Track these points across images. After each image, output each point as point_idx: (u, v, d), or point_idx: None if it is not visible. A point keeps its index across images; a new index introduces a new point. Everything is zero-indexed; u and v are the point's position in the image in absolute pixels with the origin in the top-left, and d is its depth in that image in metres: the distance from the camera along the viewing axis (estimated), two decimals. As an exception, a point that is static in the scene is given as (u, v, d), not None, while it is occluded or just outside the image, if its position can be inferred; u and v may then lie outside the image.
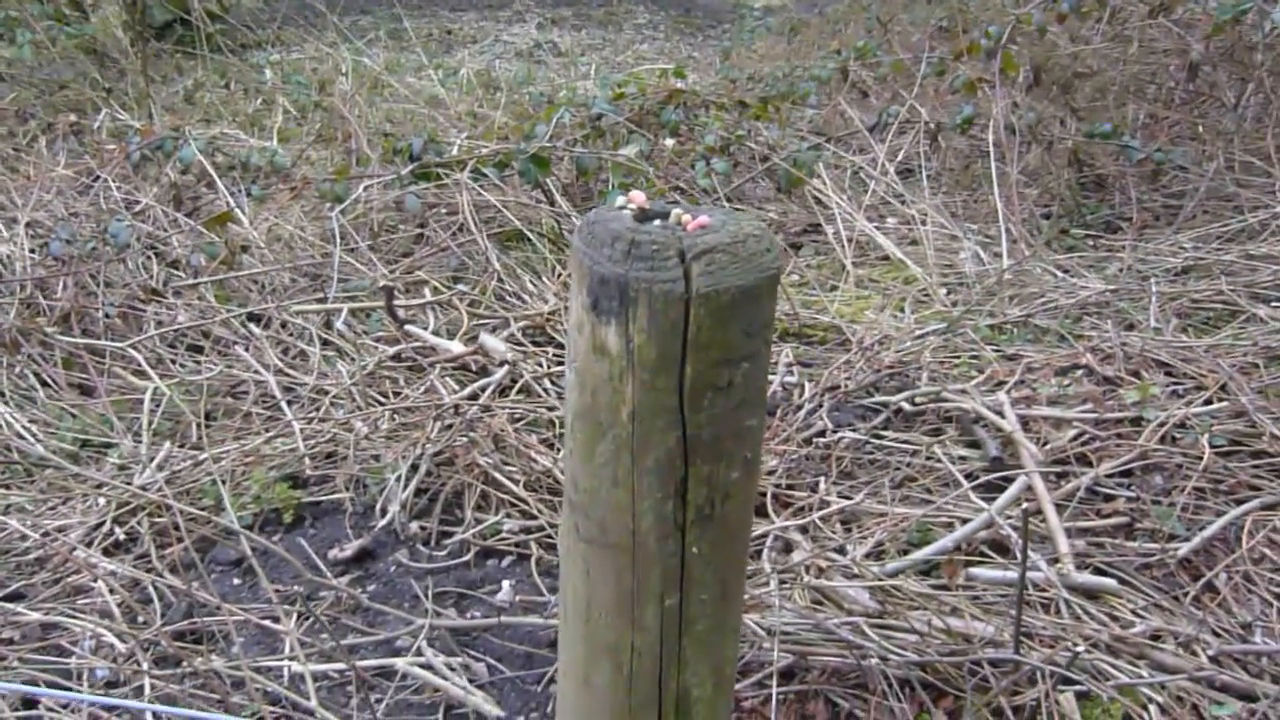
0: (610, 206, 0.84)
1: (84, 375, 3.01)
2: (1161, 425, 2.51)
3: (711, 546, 0.85)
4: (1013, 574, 2.04)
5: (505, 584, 2.18)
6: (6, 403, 2.83)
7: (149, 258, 3.61)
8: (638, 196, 0.83)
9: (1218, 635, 1.93)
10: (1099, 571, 2.11)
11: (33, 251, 3.49)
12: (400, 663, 1.90)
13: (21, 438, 2.69)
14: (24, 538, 2.31)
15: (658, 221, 0.81)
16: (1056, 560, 2.10)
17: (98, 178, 4.09)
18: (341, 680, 1.91)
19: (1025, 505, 2.26)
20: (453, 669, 1.90)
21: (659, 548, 0.85)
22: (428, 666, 1.90)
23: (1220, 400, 2.62)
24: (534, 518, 2.35)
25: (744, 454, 0.83)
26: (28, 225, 3.62)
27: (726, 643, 0.93)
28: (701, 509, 0.84)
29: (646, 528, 0.84)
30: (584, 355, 0.81)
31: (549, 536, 2.30)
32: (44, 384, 2.97)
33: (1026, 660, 1.77)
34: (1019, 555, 1.90)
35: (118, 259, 3.47)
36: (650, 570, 0.86)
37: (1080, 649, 1.80)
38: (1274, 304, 3.21)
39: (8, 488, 2.55)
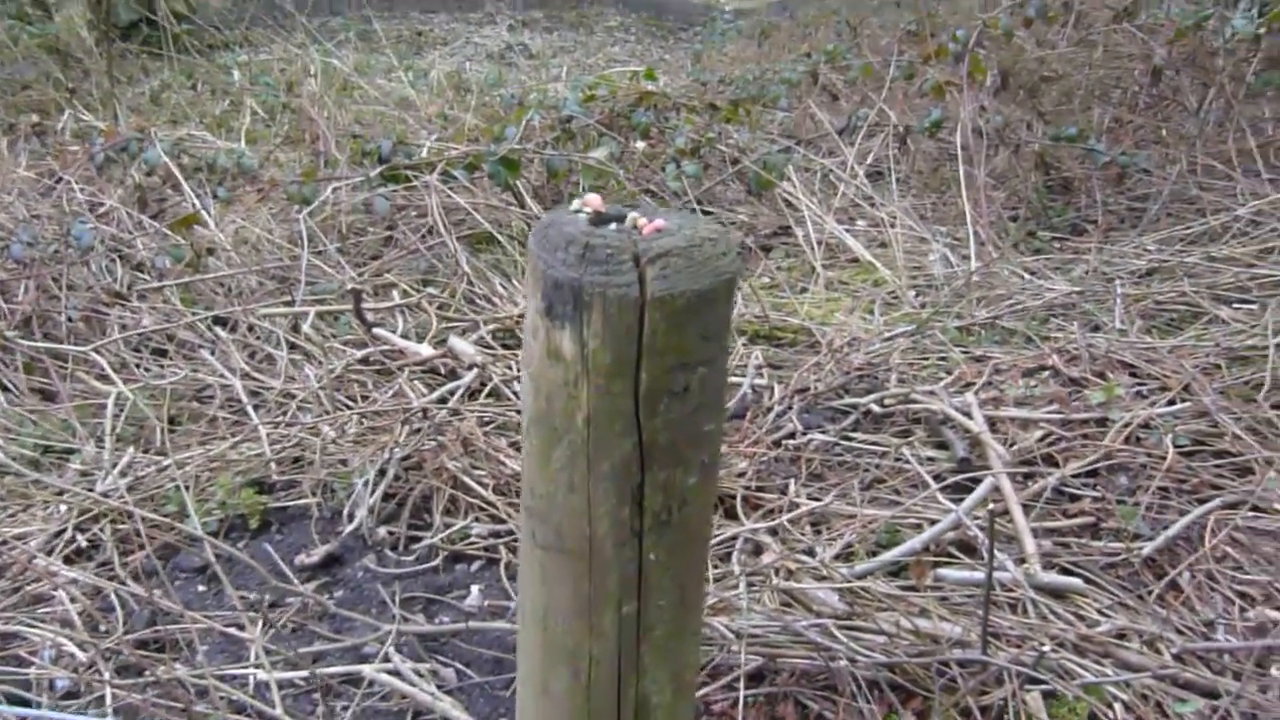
0: (566, 209, 0.83)
1: (46, 380, 2.97)
2: (1126, 426, 2.53)
3: (669, 552, 0.84)
4: (980, 574, 2.05)
5: (474, 589, 2.16)
6: (-34, 408, 2.78)
7: (113, 261, 3.56)
8: (593, 200, 0.83)
9: (1181, 633, 1.95)
10: (1065, 571, 2.13)
11: (-7, 254, 3.43)
12: (367, 669, 1.89)
13: (-19, 444, 2.64)
14: (-17, 545, 2.27)
15: (614, 225, 0.80)
16: (1023, 560, 2.11)
17: (60, 179, 4.03)
18: (307, 688, 1.89)
19: (992, 506, 2.27)
20: (420, 675, 1.88)
21: (616, 554, 0.84)
22: (395, 673, 1.88)
23: (1183, 401, 2.65)
24: (503, 522, 2.34)
25: (701, 459, 0.83)
26: (-12, 228, 3.56)
27: (686, 649, 0.93)
28: (659, 515, 0.83)
29: (603, 534, 0.83)
30: (539, 360, 0.80)
31: (518, 541, 2.29)
32: (4, 389, 2.92)
33: (994, 660, 1.78)
34: (986, 555, 1.91)
35: (81, 262, 3.42)
36: (607, 577, 0.85)
37: (1046, 648, 1.82)
38: (1236, 305, 3.25)
39: (-34, 495, 2.50)
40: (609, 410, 0.79)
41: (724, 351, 0.80)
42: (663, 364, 0.77)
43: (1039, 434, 2.56)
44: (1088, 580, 2.10)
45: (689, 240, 0.78)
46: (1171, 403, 2.65)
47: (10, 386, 2.93)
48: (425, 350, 3.02)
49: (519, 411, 2.74)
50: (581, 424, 0.80)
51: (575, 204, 0.83)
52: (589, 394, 0.78)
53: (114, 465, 2.55)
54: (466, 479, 2.42)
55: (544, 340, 0.79)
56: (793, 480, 2.47)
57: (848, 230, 4.06)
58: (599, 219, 0.82)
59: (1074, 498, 2.37)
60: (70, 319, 3.19)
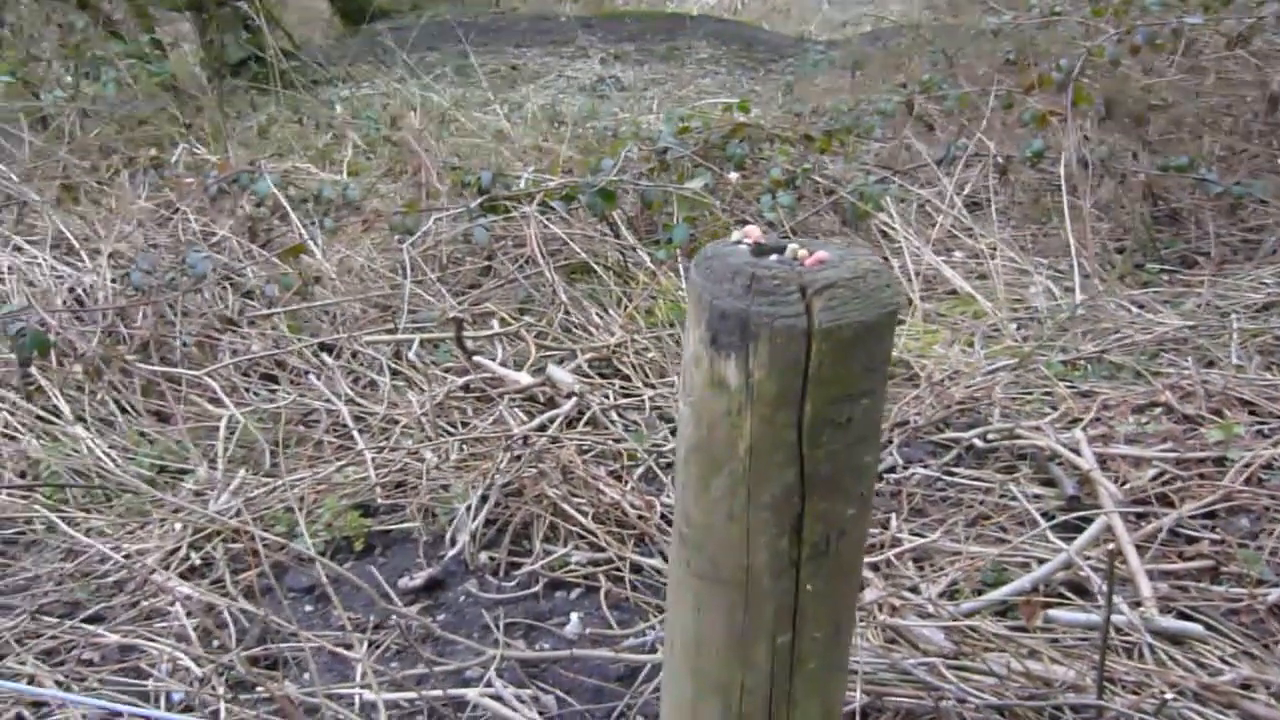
0: (726, 241, 0.83)
1: (162, 402, 3.08)
2: (1246, 466, 2.43)
3: (826, 583, 0.84)
4: (1093, 616, 1.99)
5: (574, 616, 2.17)
6: (88, 428, 2.90)
7: (225, 288, 3.69)
8: (753, 231, 0.83)
9: (1312, 685, 1.86)
10: (1183, 616, 2.05)
11: (114, 281, 3.59)
12: (471, 693, 1.90)
13: (101, 462, 2.75)
14: (104, 560, 2.36)
15: (775, 256, 0.81)
16: (1139, 603, 2.04)
17: (176, 210, 4.20)
18: (411, 710, 1.91)
19: (1107, 546, 2.20)
20: (522, 700, 1.90)
21: (773, 585, 0.83)
22: (497, 697, 1.90)
23: (1308, 440, 2.54)
24: (602, 550, 2.35)
25: (860, 490, 0.82)
26: (110, 256, 3.73)
27: (836, 682, 0.92)
28: (817, 545, 0.82)
29: (761, 564, 0.83)
30: (701, 389, 0.80)
31: (617, 569, 2.29)
32: (123, 410, 3.04)
33: (1111, 705, 1.72)
34: (1101, 597, 1.85)
35: (195, 289, 3.55)
36: (763, 607, 0.85)
37: (1168, 696, 1.75)
38: (1362, 341, 3.11)
39: (88, 511, 2.61)
40: (772, 440, 0.79)
41: (884, 382, 0.80)
42: (827, 395, 0.77)
43: (1152, 473, 2.48)
44: (1208, 626, 2.01)
45: (853, 272, 0.78)
46: (1295, 442, 2.54)
47: (129, 408, 3.05)
48: (524, 378, 3.06)
49: (617, 440, 2.76)
50: (743, 453, 0.80)
51: (735, 235, 0.84)
52: (752, 424, 0.78)
53: (226, 485, 2.63)
54: (566, 506, 2.44)
55: (707, 370, 0.80)
56: (894, 515, 2.43)
57: (946, 262, 4.00)
58: (760, 250, 0.82)
59: (1191, 540, 2.28)
60: (185, 344, 3.31)
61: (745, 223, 4.02)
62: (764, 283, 0.76)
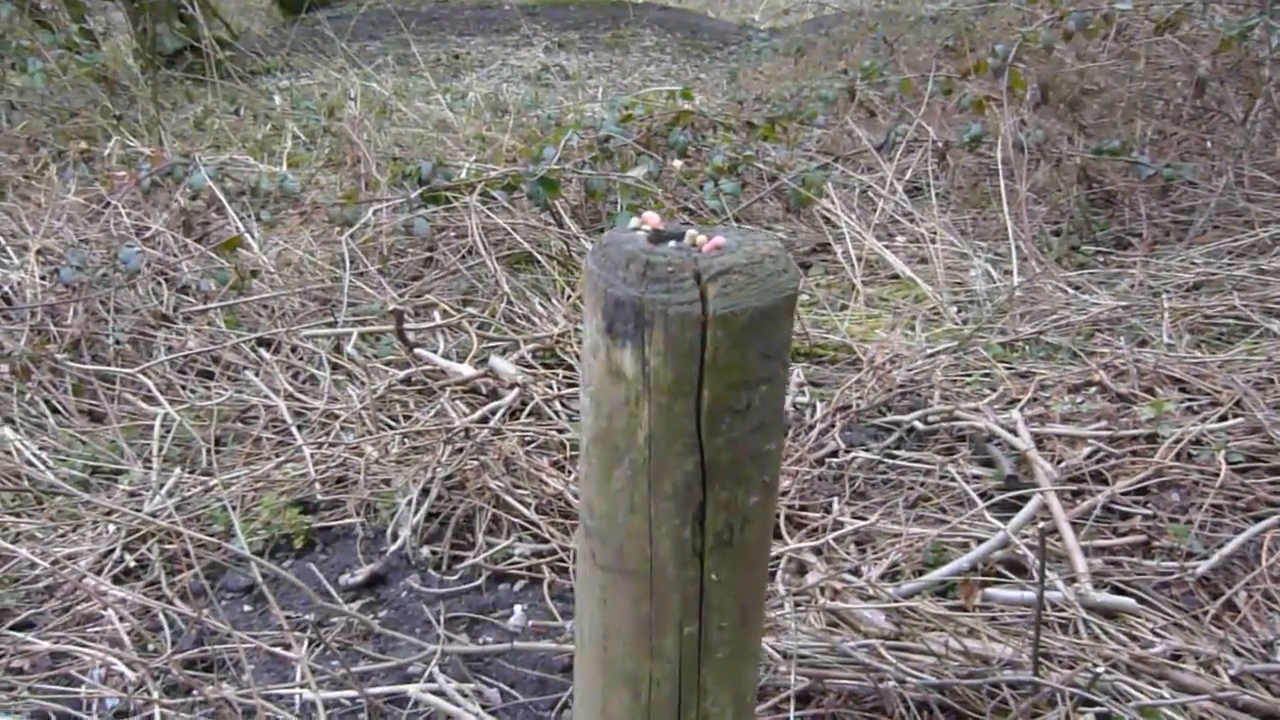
0: (624, 228, 0.82)
1: (94, 402, 3.02)
2: (1177, 442, 2.49)
3: (731, 573, 0.83)
4: (1030, 594, 2.02)
5: (517, 609, 2.16)
6: (17, 430, 2.83)
7: (159, 284, 3.61)
8: (651, 218, 0.82)
9: (1239, 654, 1.91)
10: (1117, 590, 2.09)
11: (43, 278, 3.50)
12: (412, 689, 1.89)
13: (32, 465, 2.68)
14: (33, 566, 2.30)
15: (672, 243, 0.80)
16: (1074, 579, 2.07)
17: (108, 204, 4.10)
18: (353, 708, 1.89)
19: (1042, 524, 2.23)
20: (465, 695, 1.88)
21: (677, 575, 0.83)
22: (440, 693, 1.88)
23: (1235, 416, 2.60)
24: (546, 541, 2.34)
25: (763, 478, 0.82)
26: (39, 252, 3.63)
27: (747, 669, 0.91)
28: (720, 535, 0.82)
29: (664, 554, 0.82)
30: (599, 379, 0.79)
31: (561, 560, 2.29)
32: (54, 411, 2.97)
33: (1046, 682, 1.75)
34: (1036, 575, 1.88)
35: (128, 285, 3.48)
36: (669, 598, 0.84)
37: (1100, 670, 1.78)
38: (1288, 319, 3.19)
39: (18, 515, 2.54)
40: (670, 429, 0.78)
41: (785, 368, 0.80)
42: (725, 381, 0.76)
43: (1087, 451, 2.52)
44: (1141, 600, 2.06)
45: (749, 257, 0.77)
46: (1223, 418, 2.60)
47: (60, 408, 2.98)
48: (466, 370, 3.03)
49: (560, 431, 2.75)
50: (643, 443, 0.79)
51: (633, 222, 0.83)
52: (650, 413, 0.77)
53: (161, 485, 2.58)
54: (509, 498, 2.42)
55: (605, 359, 0.79)
56: (836, 499, 2.45)
57: (887, 246, 4.03)
58: (658, 237, 0.81)
59: (1125, 516, 2.33)
60: (118, 341, 3.24)
61: (688, 210, 4.03)
62: (658, 269, 0.75)
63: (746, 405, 0.77)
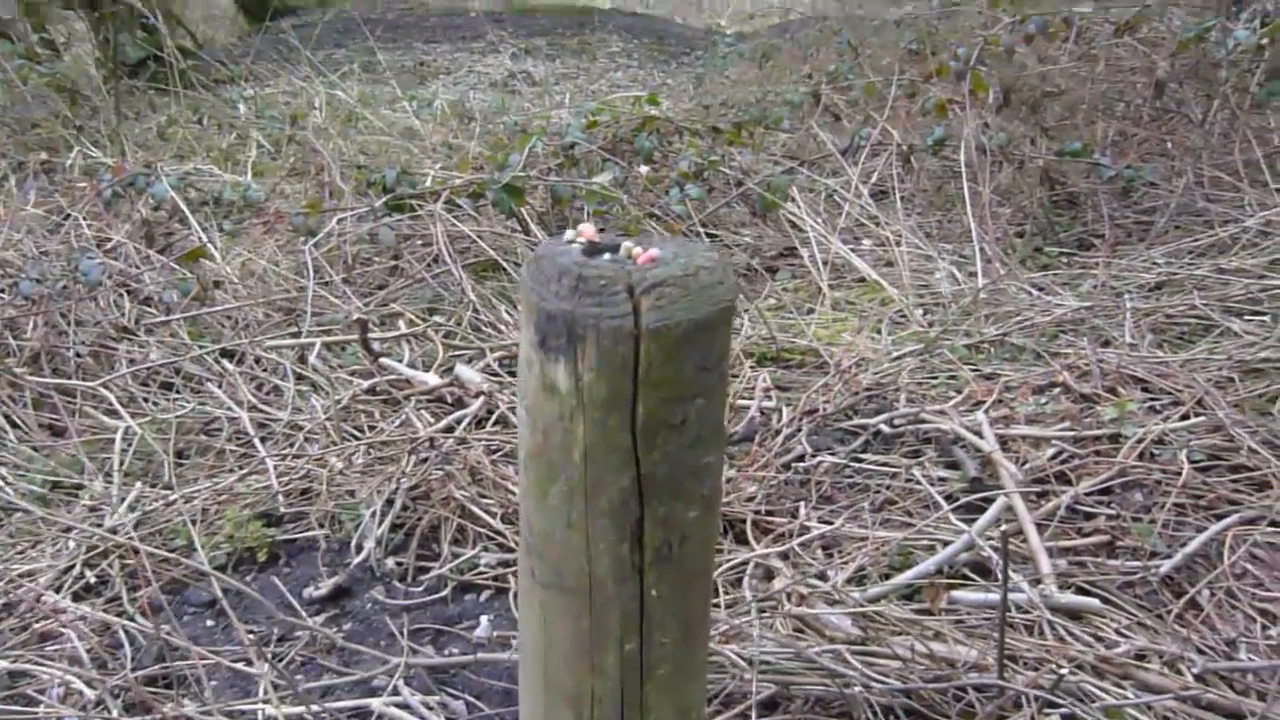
0: (559, 240, 0.82)
1: (54, 416, 2.97)
2: (1140, 442, 2.51)
3: (671, 589, 0.82)
4: (995, 596, 2.03)
5: (483, 619, 2.14)
6: (-26, 446, 2.78)
7: (121, 295, 3.57)
8: (587, 230, 0.82)
9: (1202, 653, 1.92)
10: (1082, 591, 2.10)
11: (1, 291, 3.44)
12: (376, 703, 1.87)
13: (-11, 481, 2.64)
14: (-9, 584, 2.26)
15: (608, 255, 0.79)
16: (1039, 581, 2.08)
17: (68, 216, 4.05)
18: (316, 723, 1.87)
19: (1005, 526, 2.24)
20: (430, 708, 1.86)
21: (617, 591, 0.82)
22: (404, 706, 1.86)
23: (1197, 415, 2.62)
24: (511, 551, 2.32)
25: (702, 492, 0.81)
26: (-4, 265, 3.58)
27: (691, 686, 0.91)
28: (659, 550, 0.81)
29: (603, 571, 0.81)
30: (534, 394, 0.78)
31: (527, 569, 2.27)
32: (13, 425, 2.92)
33: (1011, 685, 1.75)
34: (1000, 577, 1.89)
35: (89, 297, 3.43)
36: (608, 614, 0.83)
37: (1064, 671, 1.79)
38: (1247, 318, 3.23)
39: (-25, 533, 2.50)
40: (606, 444, 0.77)
41: (723, 381, 0.79)
42: (659, 396, 0.75)
43: (1051, 452, 2.54)
44: (1105, 600, 2.07)
45: (684, 269, 0.76)
46: (1185, 417, 2.62)
47: (19, 423, 2.93)
48: (432, 379, 3.01)
49: (526, 439, 2.74)
50: (578, 459, 0.78)
51: (569, 234, 0.82)
52: (585, 428, 0.77)
53: (122, 500, 2.54)
54: (474, 508, 2.41)
55: (538, 374, 0.78)
56: (803, 503, 2.45)
57: (853, 250, 4.05)
58: (593, 249, 0.80)
59: (1089, 516, 2.34)
60: (78, 354, 3.19)
61: (653, 215, 4.02)
62: (591, 283, 0.74)
63: (682, 419, 0.77)
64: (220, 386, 3.09)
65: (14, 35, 7.24)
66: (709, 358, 0.76)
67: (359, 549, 2.34)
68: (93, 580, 2.29)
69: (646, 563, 0.81)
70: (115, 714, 1.86)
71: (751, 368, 3.19)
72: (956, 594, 2.08)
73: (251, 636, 2.08)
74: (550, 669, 0.89)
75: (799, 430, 2.74)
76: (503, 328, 3.46)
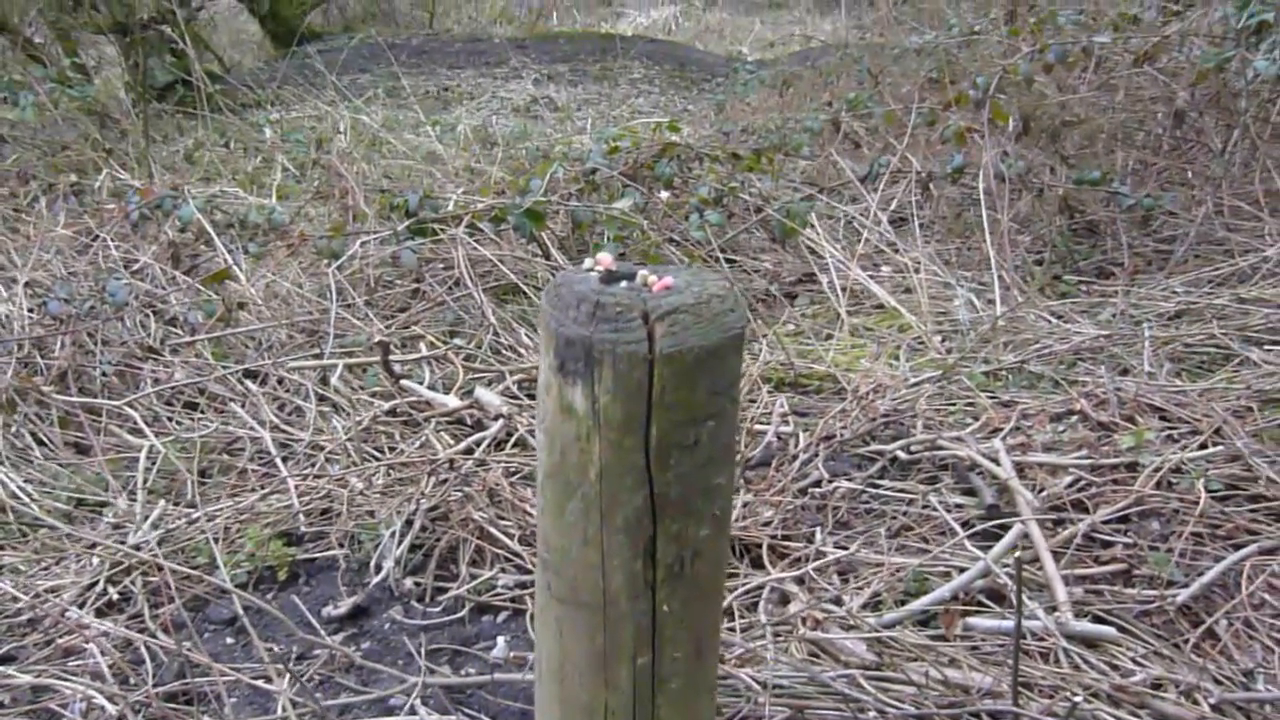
0: (578, 268, 0.85)
1: (80, 434, 3.02)
2: (1157, 470, 2.50)
3: (683, 604, 0.85)
4: (1010, 623, 2.03)
5: (500, 640, 2.16)
6: (2, 463, 2.83)
7: (147, 316, 3.63)
8: (605, 258, 0.85)
9: (1219, 683, 1.92)
10: (1098, 619, 2.10)
11: (31, 311, 3.51)
12: (393, 722, 1.88)
13: (16, 498, 2.68)
14: (16, 599, 2.30)
15: (624, 283, 0.82)
16: (1054, 608, 2.08)
17: (97, 237, 4.12)
18: (334, 741, 1.89)
19: (1021, 553, 2.25)
20: (446, 728, 1.88)
21: (630, 607, 0.84)
22: (421, 725, 1.88)
23: (1215, 444, 2.62)
24: (528, 572, 2.34)
25: (713, 511, 0.83)
26: (26, 285, 3.65)
27: (702, 701, 0.93)
28: (671, 567, 0.84)
29: (617, 587, 0.84)
30: (552, 415, 0.81)
31: (544, 591, 2.29)
32: (40, 443, 2.97)
33: (1024, 712, 1.75)
34: (1015, 604, 1.89)
35: (115, 317, 3.49)
36: (622, 629, 0.85)
37: (1079, 699, 1.79)
38: (1267, 347, 3.22)
39: (1, 548, 2.54)
40: (621, 464, 0.80)
41: (734, 404, 0.81)
42: (672, 418, 0.78)
43: (1068, 480, 2.54)
44: (1121, 629, 2.07)
45: (697, 297, 0.79)
46: (1203, 446, 2.62)
47: (46, 441, 2.98)
48: (452, 401, 3.04)
49: (545, 461, 2.76)
50: (594, 478, 0.81)
51: (587, 262, 0.85)
52: (601, 448, 0.79)
53: (145, 518, 2.58)
54: (493, 529, 2.43)
55: (556, 396, 0.81)
56: (819, 529, 2.46)
57: (872, 277, 4.06)
58: (610, 277, 0.83)
59: (1105, 544, 2.34)
60: (104, 374, 3.25)
61: (673, 241, 4.06)
62: (607, 310, 0.77)
63: (695, 441, 0.79)
64: (243, 406, 3.13)
65: (46, 59, 7.38)
66: (721, 382, 0.79)
67: (378, 569, 2.37)
68: (115, 596, 2.33)
69: (659, 579, 0.84)
70: (136, 729, 1.89)
71: (769, 393, 3.20)
72: (972, 620, 2.09)
73: (271, 654, 2.11)
74: (565, 682, 0.91)
75: (816, 455, 2.76)
76: (522, 351, 3.49)
